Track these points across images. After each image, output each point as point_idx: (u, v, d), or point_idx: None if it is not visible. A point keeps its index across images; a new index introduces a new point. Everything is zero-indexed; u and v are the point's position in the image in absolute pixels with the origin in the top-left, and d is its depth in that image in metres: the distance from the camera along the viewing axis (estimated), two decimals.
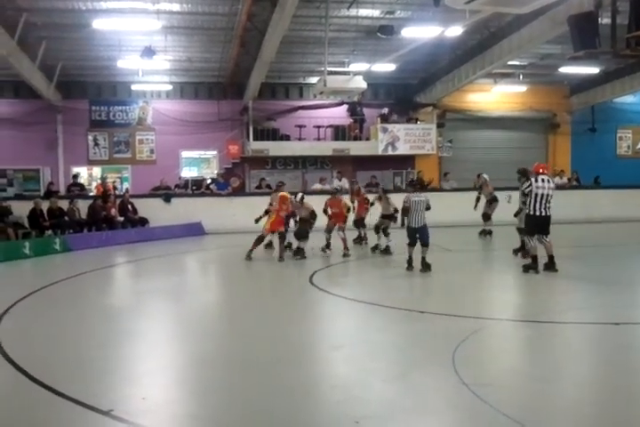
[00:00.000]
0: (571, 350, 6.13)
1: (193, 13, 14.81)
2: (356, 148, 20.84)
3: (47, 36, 15.71)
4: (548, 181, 10.16)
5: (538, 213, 10.05)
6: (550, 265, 10.13)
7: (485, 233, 15.51)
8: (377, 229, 12.85)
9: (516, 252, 12.02)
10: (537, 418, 4.34)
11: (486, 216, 15.41)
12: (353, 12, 14.81)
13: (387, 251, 12.53)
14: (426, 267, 10.22)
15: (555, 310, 7.78)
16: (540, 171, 10.26)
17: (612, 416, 4.43)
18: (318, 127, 20.97)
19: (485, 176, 16.01)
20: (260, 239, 12.21)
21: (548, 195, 10.02)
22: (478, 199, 15.38)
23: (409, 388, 4.96)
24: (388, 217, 12.69)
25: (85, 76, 19.92)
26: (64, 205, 16.04)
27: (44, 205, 15.53)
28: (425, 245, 10.35)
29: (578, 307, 7.89)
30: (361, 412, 4.40)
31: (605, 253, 13.11)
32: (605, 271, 10.59)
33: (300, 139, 20.88)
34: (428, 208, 10.31)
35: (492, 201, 15.23)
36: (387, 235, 12.56)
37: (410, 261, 10.44)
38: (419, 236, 10.36)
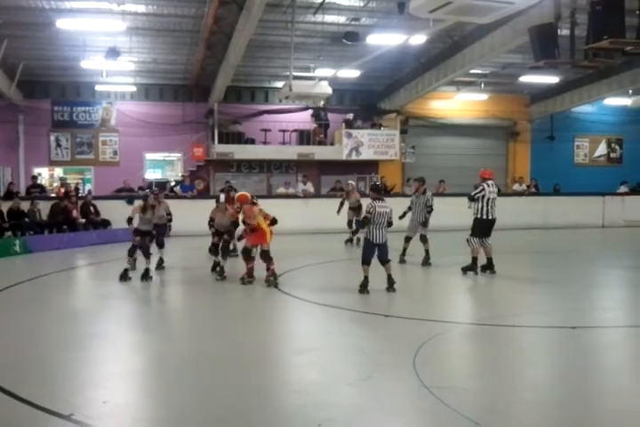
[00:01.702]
0: (529, 353, 6.29)
1: (158, 15, 14.73)
2: (321, 152, 20.92)
3: (9, 34, 15.42)
4: (495, 186, 10.88)
5: (489, 217, 10.65)
6: (489, 266, 10.71)
7: (351, 241, 14.99)
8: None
9: (402, 258, 12.03)
10: (496, 419, 4.47)
11: (351, 223, 15.20)
12: (319, 17, 14.93)
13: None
14: (392, 284, 9.03)
15: (512, 313, 7.93)
16: (487, 176, 10.83)
17: (569, 417, 4.57)
18: (283, 131, 21.00)
19: (352, 183, 16.15)
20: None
21: (494, 199, 10.70)
22: (342, 204, 15.20)
23: (372, 391, 5.03)
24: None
25: (48, 76, 19.60)
26: (25, 206, 15.76)
27: (4, 206, 15.25)
28: (386, 262, 9.09)
29: (535, 311, 8.07)
30: (324, 415, 4.45)
31: (561, 258, 13.42)
32: (562, 276, 10.83)
33: (265, 142, 20.86)
34: (389, 224, 8.99)
35: (357, 209, 14.87)
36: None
37: (365, 284, 8.92)
38: (378, 253, 9.02)
